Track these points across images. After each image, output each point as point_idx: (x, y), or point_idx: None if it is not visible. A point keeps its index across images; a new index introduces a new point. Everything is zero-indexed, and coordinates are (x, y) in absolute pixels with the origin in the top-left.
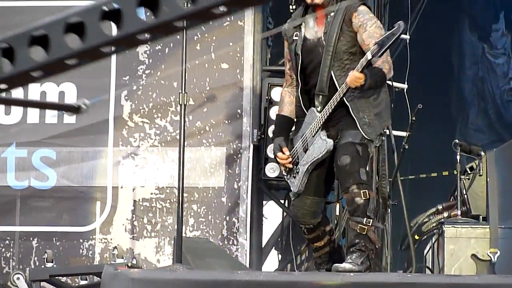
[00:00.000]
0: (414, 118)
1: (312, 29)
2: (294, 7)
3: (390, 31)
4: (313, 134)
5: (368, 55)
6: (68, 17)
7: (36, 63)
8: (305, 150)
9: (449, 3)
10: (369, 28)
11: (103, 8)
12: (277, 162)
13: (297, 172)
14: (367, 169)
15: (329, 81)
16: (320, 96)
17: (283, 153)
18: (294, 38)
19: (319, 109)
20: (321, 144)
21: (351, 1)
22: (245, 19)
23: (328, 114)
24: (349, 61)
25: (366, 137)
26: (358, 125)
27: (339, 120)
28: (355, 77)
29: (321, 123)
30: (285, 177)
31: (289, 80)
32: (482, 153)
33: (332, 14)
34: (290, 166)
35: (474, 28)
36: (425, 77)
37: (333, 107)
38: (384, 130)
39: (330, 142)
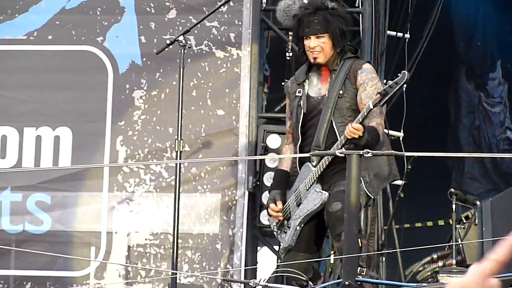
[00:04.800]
0: (409, 167)
1: (316, 86)
2: (291, 54)
3: (394, 80)
4: (307, 188)
5: (370, 105)
6: None
7: None
8: (298, 205)
9: (445, 51)
10: (369, 88)
11: None
12: (269, 215)
13: (288, 227)
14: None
15: (326, 136)
16: (316, 151)
17: (276, 205)
18: (297, 94)
19: (314, 163)
20: (316, 197)
21: (355, 59)
22: (242, 66)
23: (324, 167)
24: (352, 117)
25: (368, 194)
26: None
27: (334, 175)
28: (354, 127)
29: (316, 176)
30: (276, 232)
31: (290, 138)
32: (478, 203)
33: (337, 71)
34: (281, 218)
35: (471, 77)
36: (421, 125)
37: (330, 159)
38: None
39: (325, 194)
